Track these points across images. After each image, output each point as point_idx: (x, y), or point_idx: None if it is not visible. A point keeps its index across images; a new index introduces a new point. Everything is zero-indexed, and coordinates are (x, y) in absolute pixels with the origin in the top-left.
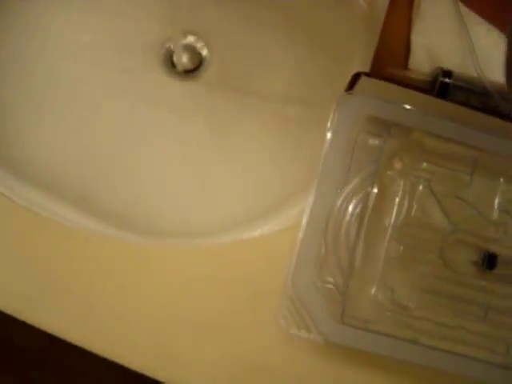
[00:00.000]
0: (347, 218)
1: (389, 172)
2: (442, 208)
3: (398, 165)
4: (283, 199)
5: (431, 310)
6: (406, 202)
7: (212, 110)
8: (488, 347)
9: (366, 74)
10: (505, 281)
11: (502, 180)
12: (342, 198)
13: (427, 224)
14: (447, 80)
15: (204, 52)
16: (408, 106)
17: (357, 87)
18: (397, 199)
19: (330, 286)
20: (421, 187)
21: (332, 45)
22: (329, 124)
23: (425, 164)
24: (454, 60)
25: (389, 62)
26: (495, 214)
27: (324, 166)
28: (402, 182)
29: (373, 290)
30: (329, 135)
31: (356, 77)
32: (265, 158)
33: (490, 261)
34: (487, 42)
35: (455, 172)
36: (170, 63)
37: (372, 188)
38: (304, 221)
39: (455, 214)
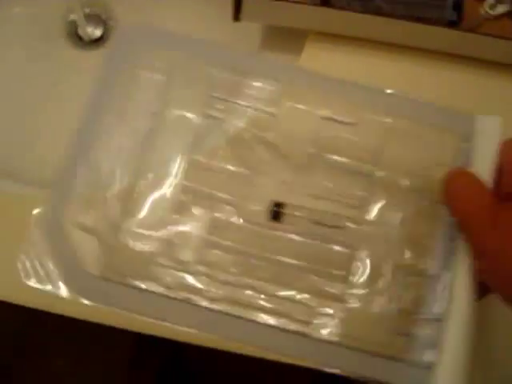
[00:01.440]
0: (119, 159)
1: (175, 109)
2: (233, 149)
3: (185, 100)
4: None
5: (216, 267)
6: (193, 142)
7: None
8: (285, 313)
9: None
10: (304, 234)
11: (313, 117)
12: (114, 136)
13: (216, 167)
14: None
15: (107, 18)
16: (194, 38)
17: (243, 12)
18: (185, 139)
19: (89, 231)
20: (212, 126)
21: None
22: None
23: (216, 100)
24: None
25: None
26: (305, 158)
27: (93, 98)
28: (190, 119)
29: (149, 242)
30: (103, 69)
31: (237, 1)
32: None
33: (275, 211)
34: None
35: (248, 109)
36: (75, 36)
37: (153, 124)
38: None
39: (253, 158)
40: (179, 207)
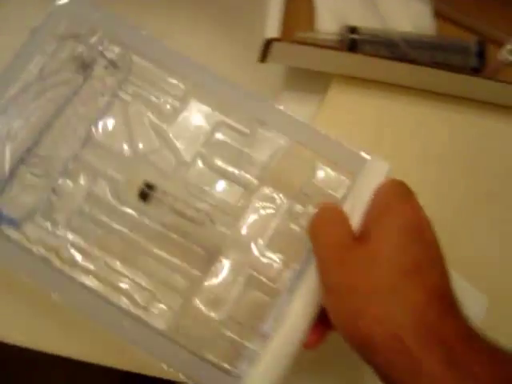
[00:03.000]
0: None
1: (93, 84)
2: (131, 135)
3: (103, 79)
4: None
5: (78, 234)
6: (98, 121)
7: None
8: (128, 294)
9: (277, 40)
10: (168, 225)
11: (212, 120)
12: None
13: (109, 148)
14: (354, 36)
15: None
16: (120, 19)
17: (270, 54)
18: (91, 112)
19: None
20: (119, 107)
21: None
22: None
23: (130, 86)
24: (360, 15)
25: (296, 26)
26: (191, 157)
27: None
28: (103, 98)
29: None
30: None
31: (268, 43)
32: None
33: (144, 192)
34: None
35: (159, 101)
36: None
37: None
38: None
39: (145, 144)
40: (69, 173)
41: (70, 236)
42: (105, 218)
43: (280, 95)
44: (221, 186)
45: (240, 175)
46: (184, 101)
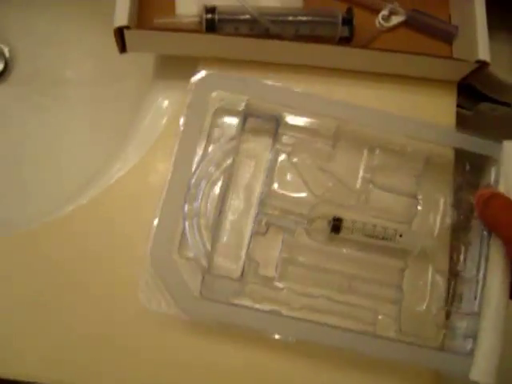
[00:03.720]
0: (207, 193)
1: (250, 145)
2: (306, 181)
3: (257, 139)
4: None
5: (294, 281)
6: (268, 176)
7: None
8: (353, 316)
9: (127, 28)
10: (363, 248)
11: (365, 149)
12: (200, 172)
13: (291, 199)
14: (210, 16)
15: (6, 52)
16: (266, 81)
17: (128, 44)
18: (259, 173)
19: (191, 261)
20: (283, 162)
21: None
22: (187, 102)
23: (285, 138)
24: None
25: (157, 12)
26: (360, 184)
27: (181, 141)
28: (263, 157)
29: (237, 264)
30: (182, 118)
31: (120, 33)
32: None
33: (335, 224)
34: None
35: (316, 144)
36: None
37: (234, 161)
38: (163, 196)
39: (318, 185)
40: (258, 230)
41: (287, 284)
42: (309, 258)
43: (153, 84)
44: (393, 200)
45: (404, 186)
46: (336, 138)
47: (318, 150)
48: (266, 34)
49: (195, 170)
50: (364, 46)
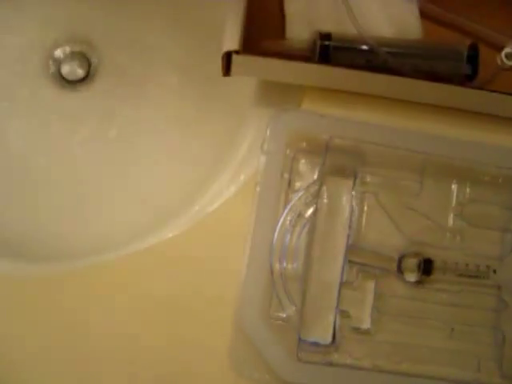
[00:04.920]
0: (293, 245)
1: (332, 189)
2: (394, 221)
3: (339, 180)
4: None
5: (391, 331)
6: (355, 220)
7: (109, 118)
8: (457, 364)
9: (236, 52)
10: (458, 289)
11: (454, 182)
12: (283, 226)
13: (380, 240)
14: (326, 42)
15: (93, 58)
16: (343, 119)
17: (234, 67)
18: (345, 218)
19: (282, 322)
20: (369, 202)
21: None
22: (264, 145)
23: (369, 176)
24: (333, 21)
25: (264, 34)
26: (450, 221)
27: (261, 191)
28: (348, 199)
29: (329, 319)
30: (263, 158)
31: (228, 57)
32: (165, 161)
33: (425, 266)
34: None
35: (403, 181)
36: (59, 76)
37: (316, 208)
38: (246, 255)
39: (408, 225)
40: (348, 280)
41: (384, 336)
42: (404, 305)
43: (250, 112)
44: (486, 235)
45: (497, 220)
46: (422, 171)
47: (404, 188)
48: (384, 68)
49: (278, 223)
50: (484, 85)
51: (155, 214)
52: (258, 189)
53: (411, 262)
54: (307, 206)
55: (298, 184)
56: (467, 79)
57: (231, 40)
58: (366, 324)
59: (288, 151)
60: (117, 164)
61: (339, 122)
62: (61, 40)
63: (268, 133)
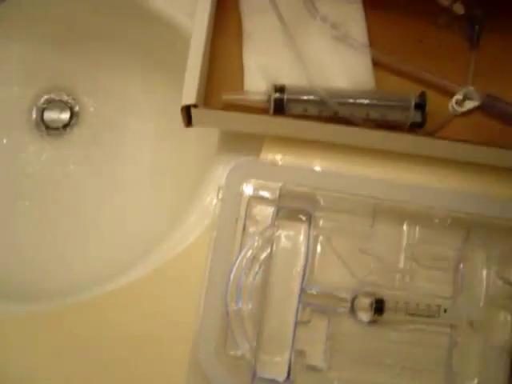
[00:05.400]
0: (248, 287)
1: (287, 233)
2: (346, 264)
3: (293, 225)
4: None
5: (344, 369)
6: (308, 263)
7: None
8: None
9: (194, 106)
10: (409, 328)
11: (404, 225)
12: (238, 268)
13: (333, 282)
14: (280, 95)
15: (75, 106)
16: (295, 167)
17: (194, 119)
18: (300, 260)
19: (237, 360)
20: (322, 245)
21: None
22: (219, 193)
23: (322, 220)
24: (289, 73)
25: (225, 86)
26: (401, 262)
27: (217, 235)
28: (303, 242)
29: (285, 356)
30: (219, 205)
31: (187, 110)
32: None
33: (377, 306)
34: (318, 49)
35: (355, 225)
36: (42, 125)
37: (271, 251)
38: (203, 296)
39: (360, 267)
40: (302, 319)
41: (337, 374)
42: (357, 344)
43: (215, 157)
44: (437, 275)
45: (447, 260)
46: (374, 215)
47: (356, 231)
48: (335, 117)
49: (233, 265)
50: (435, 132)
51: (122, 259)
52: (214, 233)
53: (364, 302)
54: (262, 249)
55: (252, 229)
56: (417, 126)
57: (189, 94)
58: (320, 362)
59: (242, 198)
60: (89, 211)
61: (292, 169)
62: (44, 90)
63: (223, 182)
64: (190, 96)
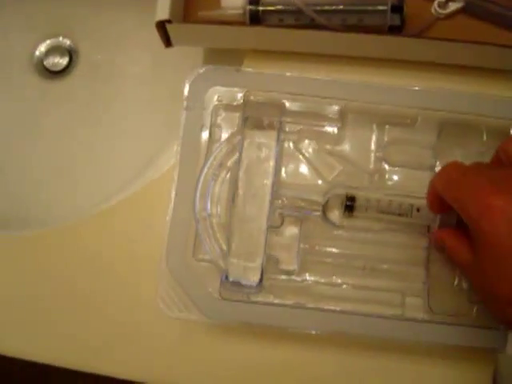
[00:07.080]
0: (216, 193)
1: (253, 141)
2: (315, 168)
3: (260, 131)
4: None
5: (316, 271)
6: (276, 168)
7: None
8: (381, 301)
9: (168, 21)
10: (383, 228)
11: (374, 125)
12: (206, 176)
13: (303, 187)
14: (254, 7)
15: (71, 48)
16: (259, 72)
17: (172, 38)
18: (269, 166)
19: (207, 264)
20: (289, 149)
21: None
22: (184, 102)
23: (289, 126)
24: None
25: (202, 5)
26: (371, 163)
27: (183, 144)
28: (272, 148)
29: (256, 261)
30: (183, 114)
31: (162, 27)
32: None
33: (348, 203)
34: None
35: (322, 128)
36: (42, 68)
37: (240, 158)
38: (172, 200)
39: (330, 171)
40: (273, 224)
41: (309, 276)
42: (329, 246)
43: None
44: (410, 176)
45: (420, 160)
46: (343, 119)
47: (325, 134)
48: (312, 25)
49: (201, 172)
50: (417, 35)
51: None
52: (179, 142)
53: (335, 202)
54: (229, 156)
55: (218, 136)
56: (397, 30)
57: (163, 9)
58: (292, 266)
59: (207, 106)
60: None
61: (256, 75)
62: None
63: (187, 89)
64: (163, 11)
